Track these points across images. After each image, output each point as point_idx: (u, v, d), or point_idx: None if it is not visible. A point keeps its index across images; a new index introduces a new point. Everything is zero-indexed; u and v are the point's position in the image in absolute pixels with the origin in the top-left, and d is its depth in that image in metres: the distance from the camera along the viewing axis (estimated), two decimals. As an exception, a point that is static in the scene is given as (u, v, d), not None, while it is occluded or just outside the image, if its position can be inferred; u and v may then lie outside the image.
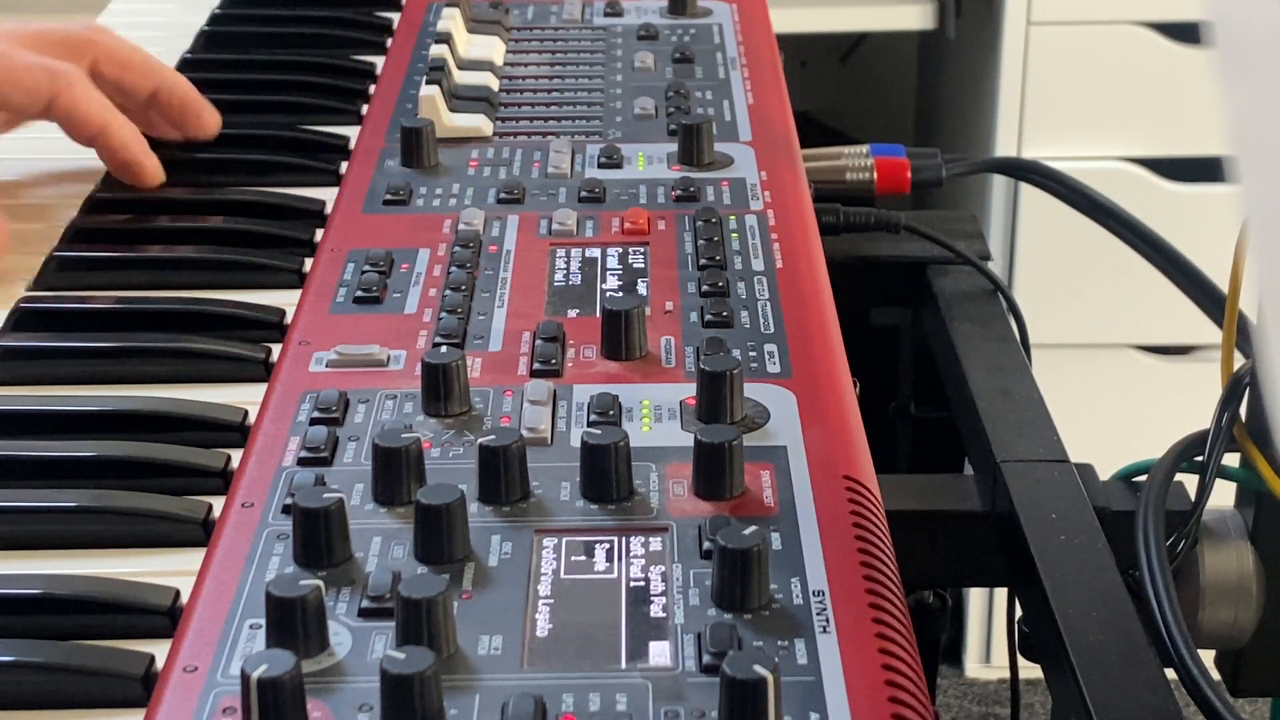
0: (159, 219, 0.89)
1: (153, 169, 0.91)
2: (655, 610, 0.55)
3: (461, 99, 0.96)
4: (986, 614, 2.08)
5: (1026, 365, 0.90)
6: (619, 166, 0.89)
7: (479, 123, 0.94)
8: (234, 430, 0.71)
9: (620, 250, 0.80)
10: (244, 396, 0.73)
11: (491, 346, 0.72)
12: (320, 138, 0.98)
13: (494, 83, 0.99)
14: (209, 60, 1.11)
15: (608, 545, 0.59)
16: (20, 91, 0.89)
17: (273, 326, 0.78)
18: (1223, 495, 0.79)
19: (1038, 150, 1.86)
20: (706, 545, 0.58)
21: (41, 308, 0.80)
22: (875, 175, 1.01)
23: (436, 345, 0.71)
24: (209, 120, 0.96)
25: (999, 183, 1.90)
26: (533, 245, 0.81)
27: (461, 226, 0.82)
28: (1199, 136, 1.86)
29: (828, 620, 0.54)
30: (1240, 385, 0.75)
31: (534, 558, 0.58)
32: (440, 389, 0.66)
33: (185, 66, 1.09)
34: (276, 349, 0.75)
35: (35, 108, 0.90)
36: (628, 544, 0.59)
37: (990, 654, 2.10)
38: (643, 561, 0.58)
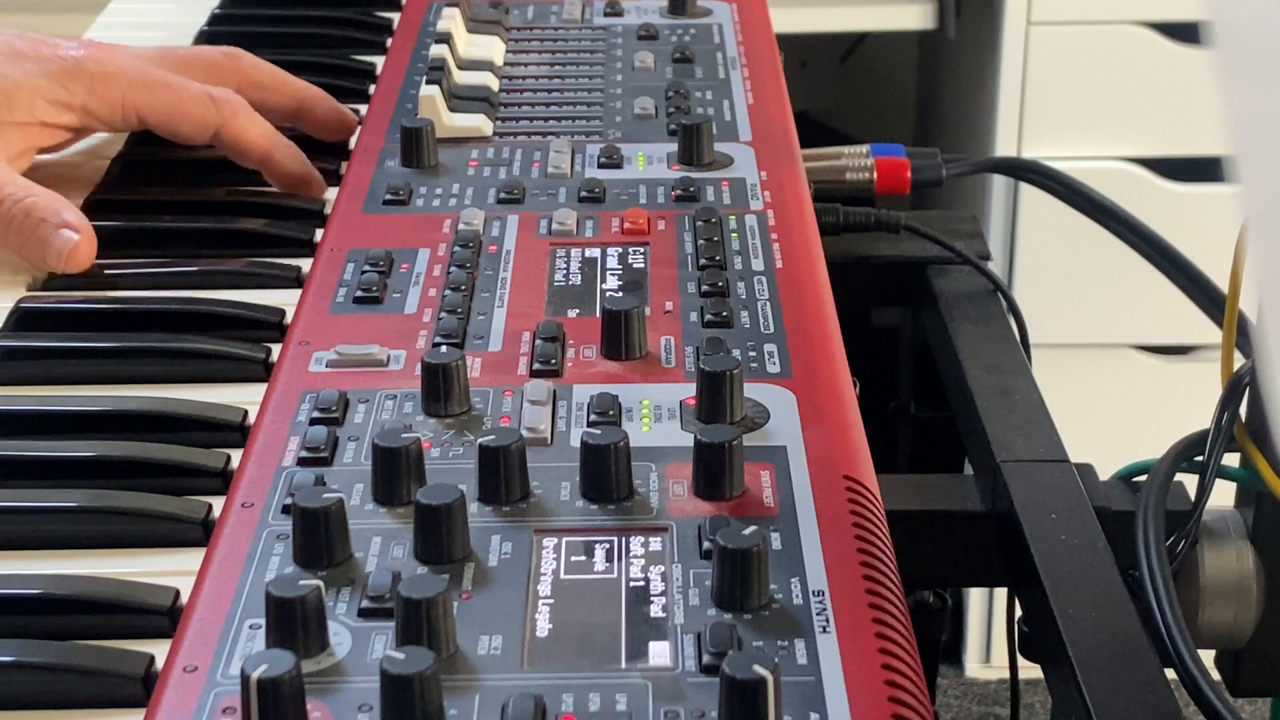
0: (159, 219, 0.89)
1: (320, 182, 0.93)
2: (655, 610, 0.55)
3: (461, 99, 0.96)
4: (986, 614, 2.08)
5: (1026, 365, 0.90)
6: (619, 166, 0.89)
7: (479, 123, 0.93)
8: (234, 430, 0.71)
9: (620, 250, 0.80)
10: (244, 396, 0.73)
11: (491, 346, 0.72)
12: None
13: (494, 83, 0.99)
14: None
15: (607, 545, 0.59)
16: (189, 122, 0.91)
17: (272, 326, 0.79)
18: (1223, 495, 0.79)
19: (1038, 150, 1.86)
20: (706, 545, 0.58)
21: (41, 308, 0.80)
22: (875, 175, 1.01)
23: (436, 345, 0.71)
24: (351, 123, 0.98)
25: (999, 183, 1.90)
26: (533, 245, 0.81)
27: (461, 226, 0.82)
28: (1199, 136, 1.86)
29: (827, 620, 0.54)
30: (1240, 385, 0.75)
31: (534, 558, 0.58)
32: (440, 389, 0.66)
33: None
34: (276, 349, 0.75)
35: (203, 137, 0.92)
36: (627, 544, 0.59)
37: (990, 654, 2.10)
38: (642, 561, 0.58)
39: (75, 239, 0.82)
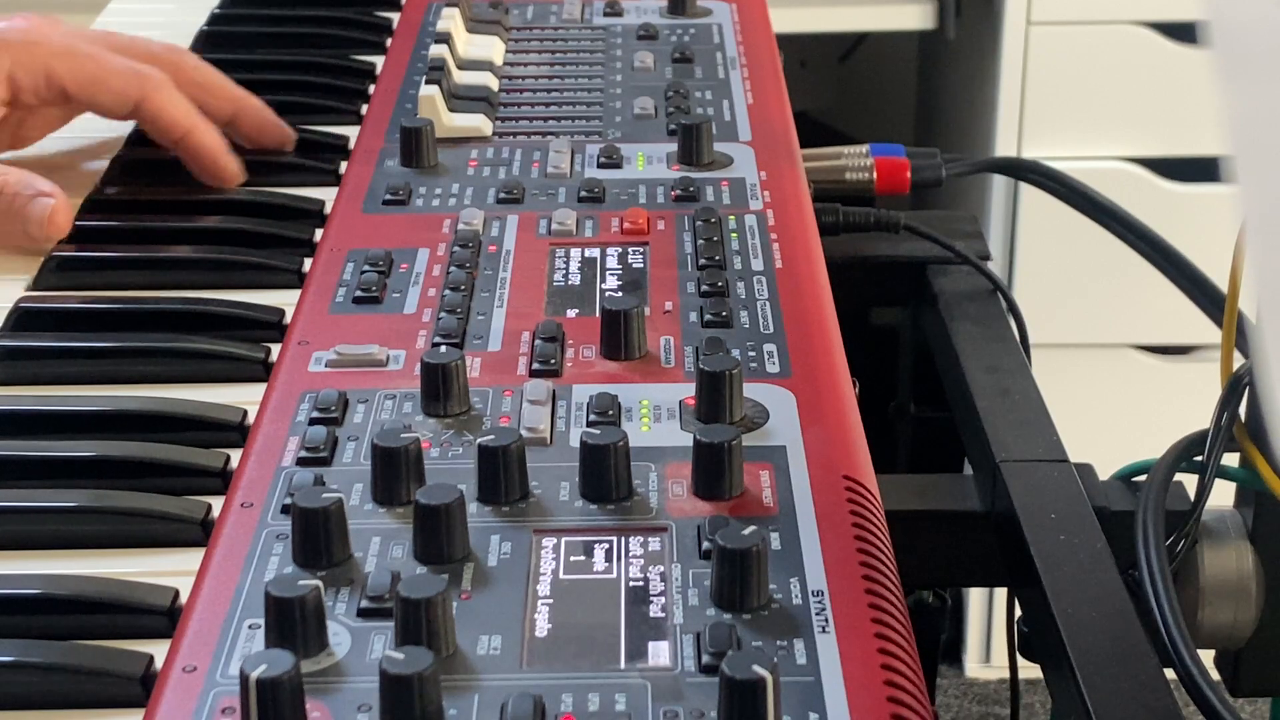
0: (159, 219, 0.89)
1: (234, 171, 0.92)
2: (654, 610, 0.55)
3: (461, 99, 0.96)
4: (986, 614, 2.08)
5: (1026, 365, 0.90)
6: (619, 166, 0.89)
7: (479, 123, 0.94)
8: (233, 430, 0.71)
9: (620, 250, 0.80)
10: (243, 396, 0.73)
11: (491, 346, 0.72)
12: (320, 138, 0.98)
13: (494, 83, 0.99)
14: (208, 60, 1.11)
15: (607, 545, 0.59)
16: (110, 93, 0.91)
17: (272, 326, 0.78)
18: (1223, 495, 0.79)
19: (1038, 150, 1.86)
20: (706, 545, 0.58)
21: (41, 308, 0.80)
22: (875, 175, 1.01)
23: (436, 345, 0.71)
24: (287, 138, 0.97)
25: (999, 183, 1.90)
26: (532, 245, 0.81)
27: (461, 226, 0.82)
28: (1199, 136, 1.86)
29: (827, 620, 0.54)
30: (1240, 385, 0.75)
31: (533, 558, 0.58)
32: (440, 389, 0.66)
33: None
34: (276, 349, 0.75)
35: (123, 109, 0.91)
36: (627, 544, 0.59)
37: (990, 654, 2.10)
38: (642, 561, 0.58)
39: (51, 203, 0.83)
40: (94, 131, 0.98)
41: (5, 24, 0.90)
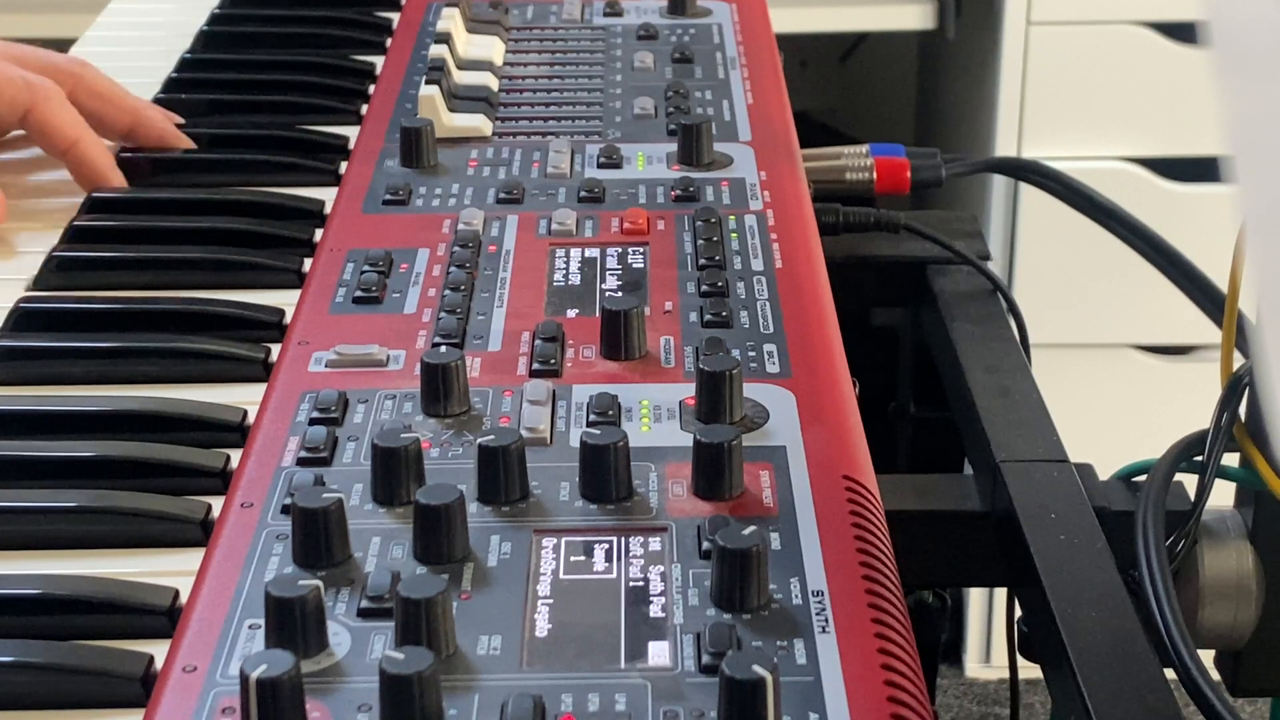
0: (159, 219, 0.89)
1: (119, 184, 0.93)
2: (654, 610, 0.55)
3: (461, 99, 0.96)
4: (986, 614, 2.08)
5: (1026, 365, 0.90)
6: (618, 166, 0.89)
7: (478, 123, 0.94)
8: (233, 430, 0.71)
9: (620, 250, 0.80)
10: (243, 396, 0.73)
11: (491, 346, 0.72)
12: (320, 138, 0.98)
13: (493, 83, 0.99)
14: (208, 60, 1.11)
15: (607, 545, 0.59)
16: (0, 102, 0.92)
17: (272, 326, 0.78)
18: (1223, 495, 0.79)
19: (1038, 150, 1.86)
20: (706, 545, 0.58)
21: (41, 308, 0.80)
22: (875, 175, 1.01)
23: (436, 345, 0.71)
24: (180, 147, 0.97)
25: (999, 183, 1.90)
26: (532, 245, 0.81)
27: (461, 226, 0.82)
28: (1199, 136, 1.86)
29: (827, 620, 0.54)
30: (1240, 385, 0.75)
31: (533, 558, 0.58)
32: (440, 389, 0.66)
33: (185, 66, 1.09)
34: (276, 349, 0.75)
35: (11, 119, 0.93)
36: (627, 544, 0.59)
37: (990, 654, 2.10)
38: (642, 561, 0.58)
39: None
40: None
41: None
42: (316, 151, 0.97)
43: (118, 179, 0.93)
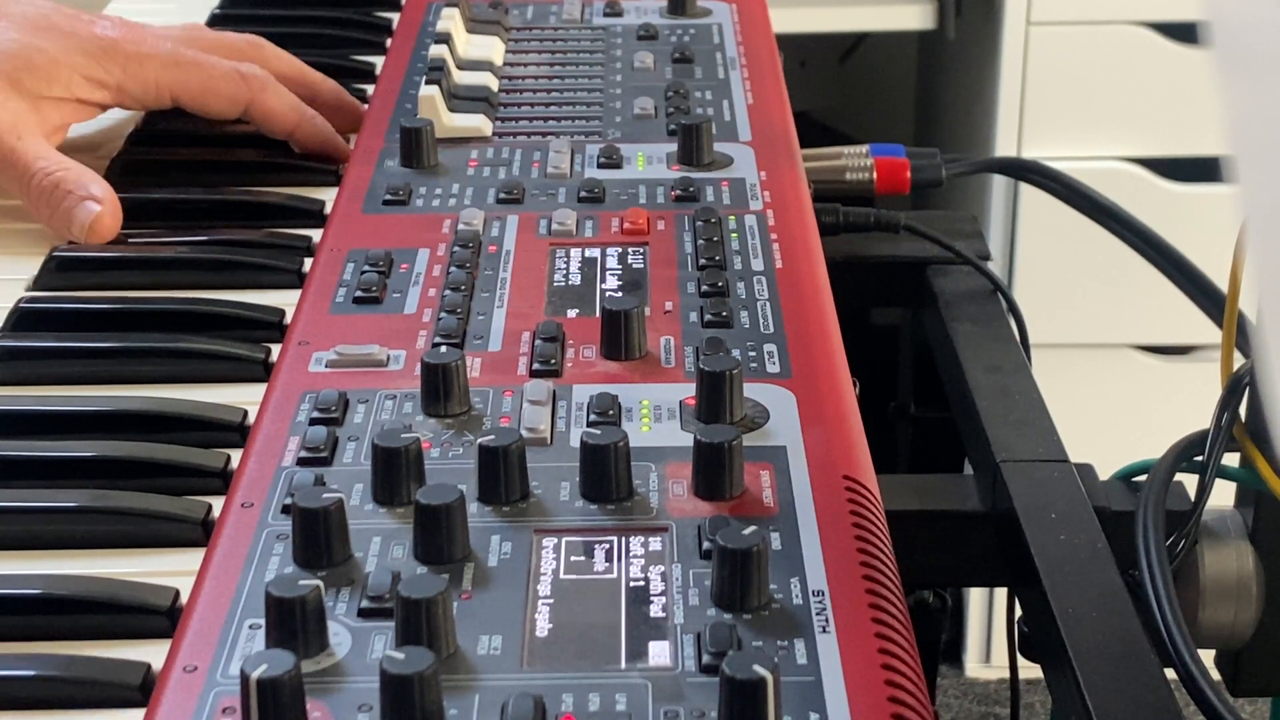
0: (159, 219, 0.89)
1: (346, 151, 0.96)
2: (655, 610, 0.55)
3: (461, 99, 0.96)
4: (986, 614, 2.08)
5: (1026, 365, 0.90)
6: (619, 166, 0.89)
7: (478, 123, 0.94)
8: (233, 430, 0.71)
9: (620, 250, 0.80)
10: (243, 396, 0.73)
11: (491, 346, 0.72)
12: (320, 138, 0.98)
13: (493, 83, 0.99)
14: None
15: (607, 545, 0.59)
16: (220, 99, 0.94)
17: (272, 326, 0.79)
18: (1223, 495, 0.79)
19: (1038, 150, 1.86)
20: (706, 545, 0.58)
21: (41, 308, 0.80)
22: (875, 175, 1.01)
23: (436, 345, 0.71)
24: (359, 112, 1.00)
25: (999, 183, 1.90)
26: (532, 245, 0.81)
27: (461, 226, 0.82)
28: (1199, 136, 1.86)
29: (827, 620, 0.54)
30: (1240, 385, 0.75)
31: (534, 558, 0.58)
32: (440, 389, 0.66)
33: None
34: (276, 349, 0.75)
35: (233, 112, 0.95)
36: (627, 544, 0.59)
37: (990, 654, 2.10)
38: (642, 561, 0.58)
39: (96, 210, 0.85)
40: (94, 131, 0.98)
41: (114, 31, 0.93)
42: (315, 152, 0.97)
43: (343, 147, 0.96)
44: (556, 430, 0.65)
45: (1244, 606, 0.78)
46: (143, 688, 0.57)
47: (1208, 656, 0.73)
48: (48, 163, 0.86)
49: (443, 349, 0.68)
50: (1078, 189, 1.00)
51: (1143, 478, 0.77)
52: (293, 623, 0.53)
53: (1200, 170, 1.86)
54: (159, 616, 0.60)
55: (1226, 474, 0.77)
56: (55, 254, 0.84)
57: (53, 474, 0.68)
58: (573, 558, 0.58)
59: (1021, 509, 0.76)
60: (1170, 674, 0.67)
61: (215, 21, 1.18)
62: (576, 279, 0.78)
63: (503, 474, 0.60)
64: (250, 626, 0.55)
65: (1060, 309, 1.91)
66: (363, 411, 0.67)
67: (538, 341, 0.71)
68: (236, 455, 0.67)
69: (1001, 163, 1.34)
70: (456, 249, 0.80)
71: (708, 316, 0.73)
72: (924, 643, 0.66)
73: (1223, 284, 0.78)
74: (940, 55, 2.20)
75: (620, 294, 0.76)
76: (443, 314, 0.74)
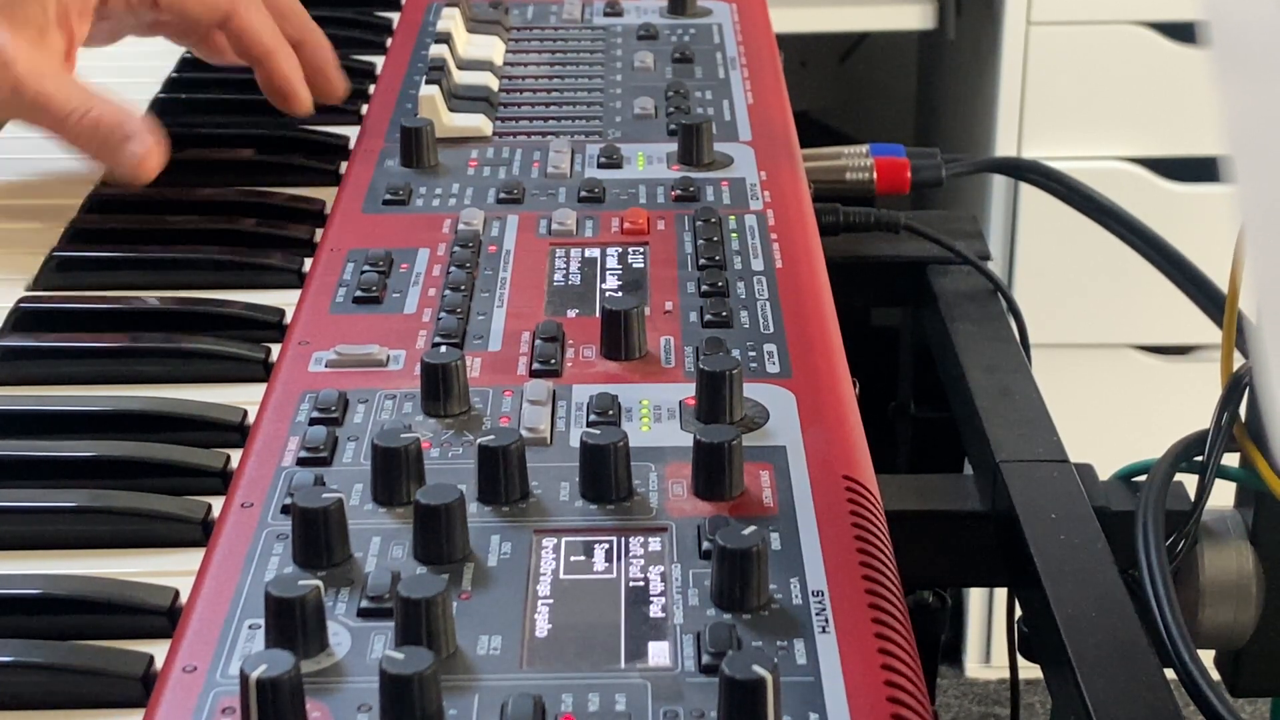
0: (159, 219, 0.89)
1: (306, 100, 0.94)
2: (654, 610, 0.55)
3: (461, 99, 0.96)
4: (986, 614, 2.08)
5: (1026, 365, 0.90)
6: (619, 166, 0.89)
7: (479, 123, 0.94)
8: (233, 430, 0.71)
9: (620, 250, 0.80)
10: (243, 396, 0.73)
11: (491, 346, 0.72)
12: (320, 138, 0.98)
13: (494, 83, 0.99)
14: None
15: (607, 545, 0.59)
16: (200, 4, 0.92)
17: (272, 326, 0.78)
18: (1223, 495, 0.79)
19: (1038, 150, 1.86)
20: (706, 545, 0.58)
21: (41, 308, 0.80)
22: (875, 175, 1.01)
23: (436, 345, 0.71)
24: (339, 87, 0.99)
25: (999, 183, 1.90)
26: (532, 245, 0.81)
27: (461, 226, 0.82)
28: (1199, 136, 1.86)
29: (827, 620, 0.54)
30: (1240, 385, 0.75)
31: (533, 558, 0.58)
32: (440, 389, 0.66)
33: (185, 66, 1.09)
34: (276, 349, 0.75)
35: (211, 20, 0.93)
36: (627, 544, 0.59)
37: (990, 654, 2.10)
38: (642, 561, 0.58)
39: (140, 152, 0.85)
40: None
41: None
42: (316, 151, 0.97)
43: (305, 94, 0.94)
44: (556, 430, 0.65)
45: (1244, 607, 0.78)
46: (144, 679, 0.56)
47: (1207, 657, 0.73)
48: (80, 101, 0.85)
49: (442, 349, 0.68)
50: (1078, 189, 1.00)
51: (1142, 478, 0.77)
52: (292, 623, 0.53)
53: (1200, 170, 1.86)
54: (159, 617, 0.60)
55: (1226, 474, 0.77)
56: (55, 254, 0.84)
57: (52, 474, 0.68)
58: (572, 558, 0.58)
59: (1021, 509, 0.76)
60: (1170, 674, 0.67)
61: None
62: (576, 279, 0.78)
63: (502, 474, 0.60)
64: (250, 626, 0.55)
65: (1060, 309, 1.91)
66: (362, 411, 0.67)
67: (537, 341, 0.71)
68: (236, 455, 0.67)
69: (1001, 163, 1.34)
70: (456, 249, 0.80)
71: (708, 316, 0.73)
72: (924, 643, 0.66)
73: (1223, 284, 0.78)
74: (940, 55, 2.20)
75: (620, 294, 0.76)
76: (443, 314, 0.74)
